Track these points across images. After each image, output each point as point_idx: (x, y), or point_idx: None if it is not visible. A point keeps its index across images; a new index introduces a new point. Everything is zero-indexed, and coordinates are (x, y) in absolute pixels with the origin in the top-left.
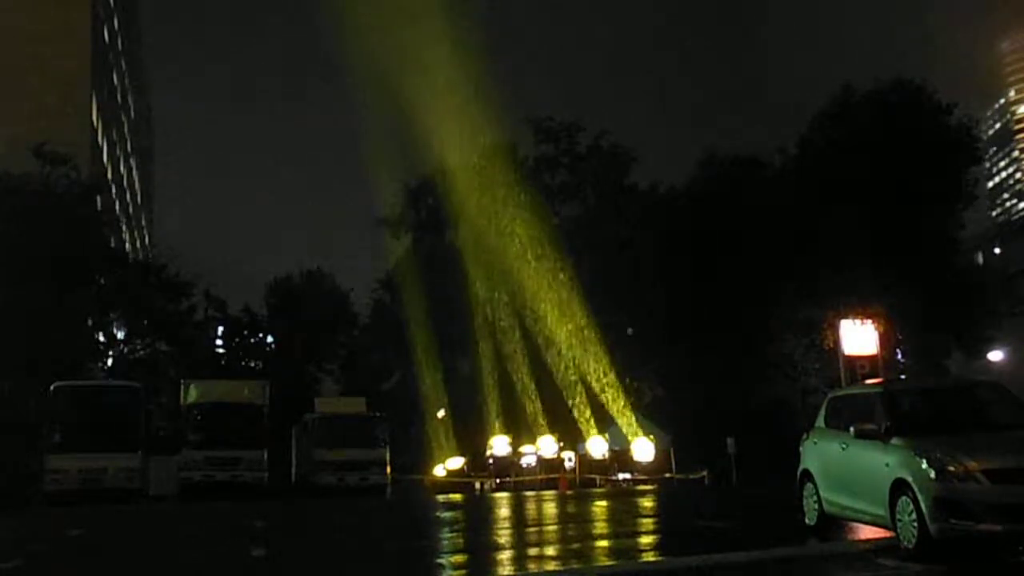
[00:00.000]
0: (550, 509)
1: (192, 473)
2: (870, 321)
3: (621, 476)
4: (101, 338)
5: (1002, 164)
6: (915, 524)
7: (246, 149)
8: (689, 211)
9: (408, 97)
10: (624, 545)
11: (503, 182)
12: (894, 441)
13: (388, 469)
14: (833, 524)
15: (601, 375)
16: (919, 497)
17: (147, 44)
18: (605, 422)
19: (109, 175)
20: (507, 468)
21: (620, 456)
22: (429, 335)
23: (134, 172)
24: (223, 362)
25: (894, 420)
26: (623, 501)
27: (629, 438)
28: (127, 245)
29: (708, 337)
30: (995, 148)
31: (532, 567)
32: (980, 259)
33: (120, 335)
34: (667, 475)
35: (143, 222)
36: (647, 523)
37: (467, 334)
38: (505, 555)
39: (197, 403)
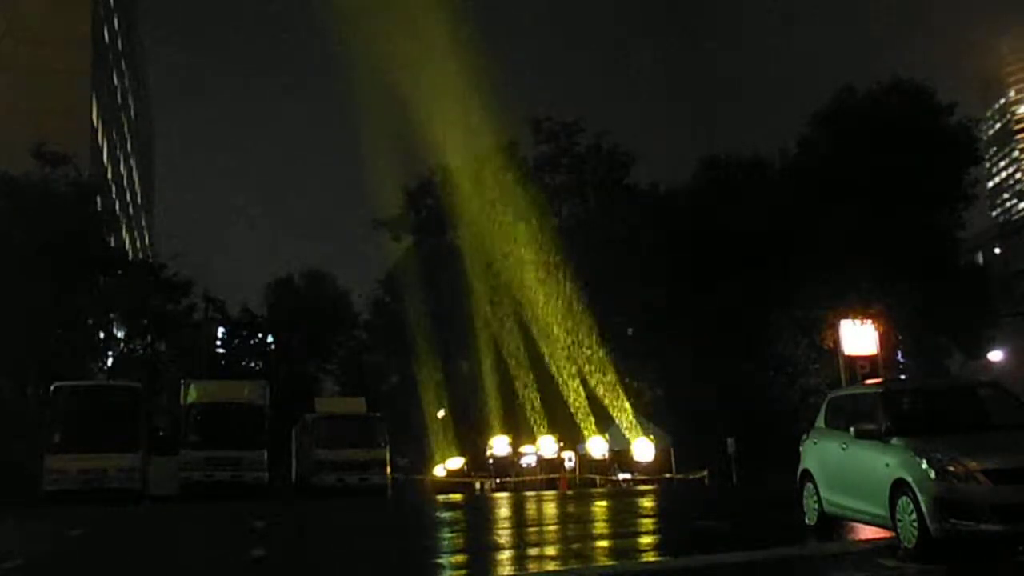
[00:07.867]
0: (550, 509)
1: (192, 473)
2: (870, 321)
3: (621, 476)
4: (101, 338)
5: (1002, 164)
6: (915, 524)
7: (246, 148)
8: (689, 211)
9: (408, 97)
10: (624, 545)
11: (503, 182)
12: (894, 441)
13: (388, 469)
14: (833, 524)
15: (601, 375)
16: (919, 497)
17: (147, 45)
18: (605, 422)
19: (109, 175)
20: (507, 468)
21: (620, 456)
22: (429, 335)
23: (134, 172)
24: (223, 362)
25: (894, 420)
26: (623, 501)
27: (629, 438)
28: (127, 245)
29: (708, 337)
30: (995, 148)
31: (532, 567)
32: (980, 259)
33: (120, 335)
34: (667, 475)
35: (143, 222)
36: (647, 523)
37: (467, 334)
38: (505, 555)
39: (197, 403)
